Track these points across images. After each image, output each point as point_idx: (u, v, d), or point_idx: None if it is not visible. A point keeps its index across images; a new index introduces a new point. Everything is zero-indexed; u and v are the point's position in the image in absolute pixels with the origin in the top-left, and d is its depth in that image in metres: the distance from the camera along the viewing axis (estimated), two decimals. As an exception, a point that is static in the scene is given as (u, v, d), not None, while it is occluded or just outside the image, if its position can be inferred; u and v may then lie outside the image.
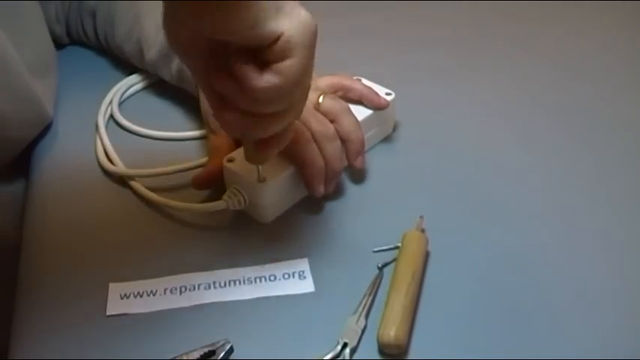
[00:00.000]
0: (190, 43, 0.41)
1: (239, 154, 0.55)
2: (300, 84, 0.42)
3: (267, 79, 0.40)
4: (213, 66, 0.43)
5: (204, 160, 0.60)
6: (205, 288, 0.51)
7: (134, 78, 0.73)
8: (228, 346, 0.45)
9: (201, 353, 0.45)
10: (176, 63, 0.66)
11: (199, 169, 0.58)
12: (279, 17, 0.39)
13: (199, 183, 0.57)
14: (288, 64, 0.40)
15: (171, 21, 0.40)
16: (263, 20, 0.38)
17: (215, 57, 0.42)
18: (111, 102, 0.69)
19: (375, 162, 0.63)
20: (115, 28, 0.72)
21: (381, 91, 0.64)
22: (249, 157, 0.51)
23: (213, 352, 0.45)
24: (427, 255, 0.52)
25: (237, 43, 0.41)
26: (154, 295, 0.50)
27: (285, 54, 0.40)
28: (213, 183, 0.56)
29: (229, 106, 0.44)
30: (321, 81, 0.60)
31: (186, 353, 0.45)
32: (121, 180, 0.60)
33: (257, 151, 0.48)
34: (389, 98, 0.63)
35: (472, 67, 0.77)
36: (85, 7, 0.76)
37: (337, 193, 0.59)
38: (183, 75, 0.65)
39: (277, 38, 0.39)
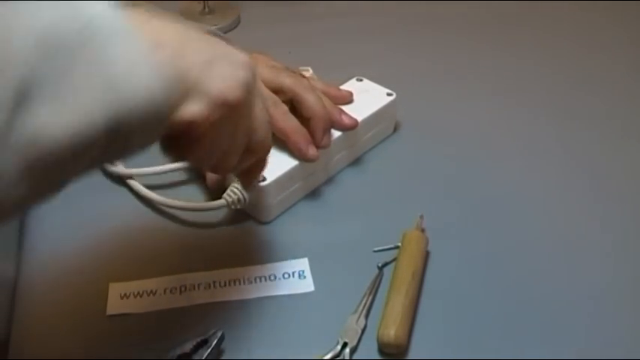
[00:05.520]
0: None
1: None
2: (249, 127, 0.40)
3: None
4: None
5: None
6: (205, 288, 0.51)
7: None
8: (219, 334, 0.45)
9: (194, 344, 0.45)
10: None
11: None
12: (189, 100, 0.34)
13: (214, 188, 0.57)
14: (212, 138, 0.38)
15: None
16: (171, 111, 0.34)
17: None
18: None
19: (375, 162, 0.63)
20: None
21: (382, 91, 0.64)
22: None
23: (205, 342, 0.45)
24: (427, 255, 0.52)
25: None
26: (154, 294, 0.50)
27: (202, 135, 0.37)
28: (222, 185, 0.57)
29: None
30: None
31: (180, 345, 0.45)
32: (121, 180, 0.60)
33: (247, 183, 0.51)
34: (390, 98, 0.63)
35: (473, 68, 0.77)
36: None
37: (337, 192, 0.59)
38: None
39: (190, 125, 0.35)
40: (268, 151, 0.45)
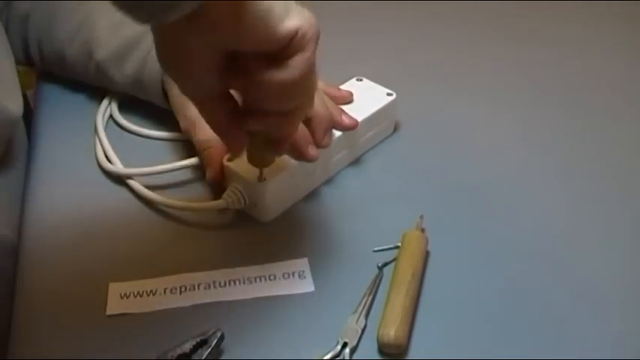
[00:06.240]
0: (203, 63, 0.41)
1: (239, 153, 0.55)
2: (311, 75, 0.43)
3: (287, 72, 0.41)
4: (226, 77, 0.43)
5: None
6: (205, 287, 0.51)
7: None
8: (219, 334, 0.45)
9: (194, 344, 0.45)
10: (133, 63, 0.63)
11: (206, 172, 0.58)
12: (291, 15, 0.40)
13: (216, 182, 0.57)
14: (302, 58, 0.41)
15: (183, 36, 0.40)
16: (279, 21, 0.40)
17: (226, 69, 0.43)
18: (110, 102, 0.69)
19: (375, 162, 0.63)
20: (54, 30, 0.68)
21: (382, 91, 0.64)
22: (252, 160, 0.51)
23: (205, 342, 0.45)
24: (427, 255, 0.52)
25: (254, 50, 0.41)
26: (154, 294, 0.50)
27: (299, 49, 0.41)
28: (222, 182, 0.57)
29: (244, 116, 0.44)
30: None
31: (179, 345, 0.45)
32: (120, 180, 0.60)
33: (274, 150, 0.49)
34: (390, 98, 0.63)
35: (473, 67, 0.77)
36: (15, 11, 0.71)
37: (337, 192, 0.59)
38: (140, 77, 0.63)
39: (294, 35, 0.40)
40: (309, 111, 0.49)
